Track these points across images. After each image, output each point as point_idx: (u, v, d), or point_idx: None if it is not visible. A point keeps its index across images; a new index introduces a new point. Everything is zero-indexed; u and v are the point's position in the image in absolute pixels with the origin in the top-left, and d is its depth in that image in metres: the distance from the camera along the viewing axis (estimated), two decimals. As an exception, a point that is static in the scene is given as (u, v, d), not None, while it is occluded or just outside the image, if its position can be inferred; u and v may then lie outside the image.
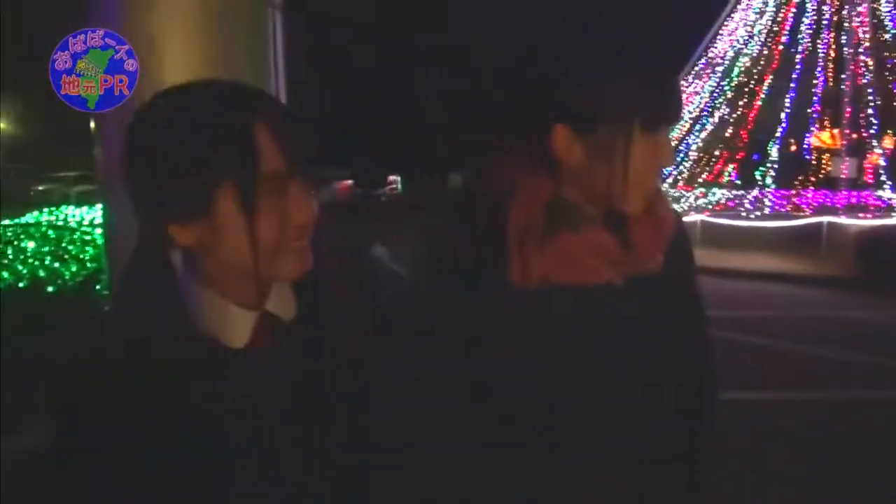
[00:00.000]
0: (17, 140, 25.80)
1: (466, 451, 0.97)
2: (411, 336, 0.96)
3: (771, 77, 17.97)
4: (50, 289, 4.15)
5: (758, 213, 13.93)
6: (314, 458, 0.82)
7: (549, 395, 0.96)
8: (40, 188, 20.86)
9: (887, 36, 17.03)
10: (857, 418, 4.21)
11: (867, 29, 17.07)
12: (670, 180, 16.86)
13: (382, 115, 29.19)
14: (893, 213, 12.97)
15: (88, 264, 4.78)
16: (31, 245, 5.52)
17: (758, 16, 18.70)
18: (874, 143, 16.41)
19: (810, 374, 5.21)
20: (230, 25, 1.70)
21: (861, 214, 12.65)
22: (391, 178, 33.44)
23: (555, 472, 0.98)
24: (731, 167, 17.82)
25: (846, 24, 16.57)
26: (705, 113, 18.08)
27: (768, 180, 16.24)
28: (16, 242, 5.65)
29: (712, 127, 17.97)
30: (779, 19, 18.51)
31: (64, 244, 5.63)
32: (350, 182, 30.92)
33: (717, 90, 18.33)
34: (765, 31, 18.54)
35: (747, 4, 18.76)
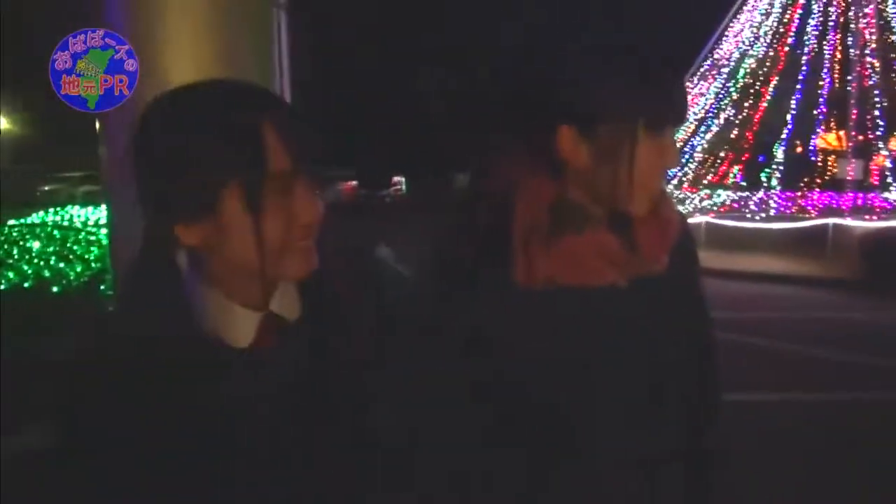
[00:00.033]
0: (22, 140, 25.92)
1: (469, 451, 0.97)
2: (415, 336, 0.95)
3: (777, 78, 17.92)
4: (55, 289, 4.16)
5: (763, 215, 13.89)
6: (317, 459, 0.82)
7: (552, 395, 0.96)
8: (46, 188, 20.96)
9: (894, 37, 16.97)
10: (861, 419, 4.21)
11: (874, 30, 17.01)
12: (675, 181, 16.83)
13: (387, 115, 29.22)
14: (900, 215, 12.93)
15: (93, 264, 4.80)
16: (36, 245, 5.55)
17: (764, 17, 18.65)
18: (880, 144, 16.35)
19: (813, 375, 5.20)
20: (235, 25, 1.71)
21: (867, 216, 12.60)
22: (396, 178, 33.48)
23: (557, 472, 0.98)
24: (736, 169, 17.78)
25: (852, 26, 16.50)
26: (711, 114, 18.04)
27: (774, 182, 16.19)
28: (21, 242, 5.68)
29: (717, 128, 17.93)
30: (785, 20, 18.47)
31: (69, 244, 5.66)
32: (354, 183, 30.96)
33: (723, 91, 18.29)
34: (771, 32, 18.49)
35: (753, 5, 18.72)
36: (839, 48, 17.57)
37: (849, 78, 15.90)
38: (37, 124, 22.80)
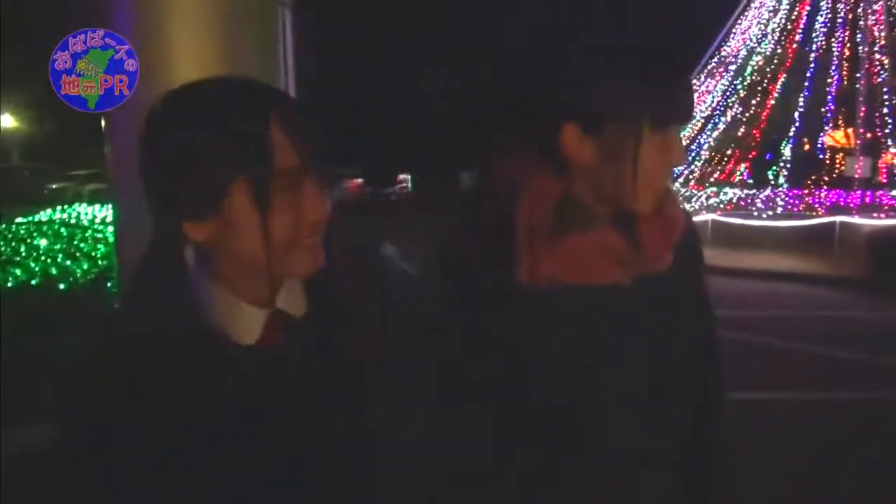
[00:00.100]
0: (29, 138, 26.05)
1: (472, 450, 0.96)
2: (420, 335, 0.95)
3: (784, 76, 17.83)
4: (62, 286, 4.18)
5: (770, 213, 13.83)
6: (320, 457, 0.82)
7: (556, 394, 0.96)
8: (53, 186, 21.07)
9: (903, 34, 16.86)
10: (865, 418, 4.19)
11: (882, 27, 16.89)
12: (682, 179, 16.76)
13: (392, 113, 29.22)
14: (908, 213, 12.85)
15: (100, 262, 4.82)
16: (43, 242, 5.58)
17: (771, 14, 18.55)
18: (889, 142, 16.24)
19: (819, 374, 5.18)
20: (240, 23, 1.71)
21: (875, 214, 12.53)
22: (401, 176, 33.48)
23: (561, 471, 0.97)
24: (743, 166, 17.70)
25: (861, 22, 16.40)
26: (717, 112, 17.96)
27: (781, 179, 16.11)
28: (28, 240, 5.71)
29: (724, 126, 17.85)
30: (793, 17, 18.36)
31: (76, 242, 5.68)
32: (360, 181, 30.98)
33: (730, 89, 18.21)
34: (778, 29, 18.39)
35: (761, 2, 18.62)
36: (848, 45, 17.47)
37: (857, 75, 15.81)
38: (44, 122, 22.91)
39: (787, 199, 15.12)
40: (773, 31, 18.42)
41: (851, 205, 13.96)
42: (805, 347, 5.82)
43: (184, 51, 1.62)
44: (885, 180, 15.75)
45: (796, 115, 16.89)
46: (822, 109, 17.24)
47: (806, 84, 17.19)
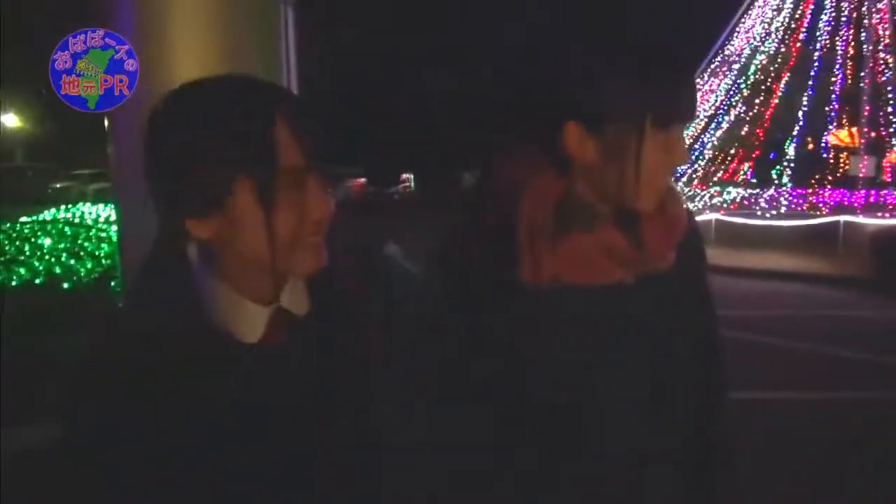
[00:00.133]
0: (34, 138, 26.12)
1: (473, 450, 0.96)
2: (422, 335, 0.95)
3: (788, 75, 17.77)
4: (66, 285, 4.19)
5: (773, 212, 13.79)
6: (322, 455, 0.82)
7: (558, 394, 0.96)
8: (58, 185, 21.11)
9: (908, 33, 16.79)
10: (869, 417, 4.18)
11: (887, 25, 16.83)
12: (685, 178, 16.73)
13: (396, 113, 29.21)
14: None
15: (103, 261, 4.83)
16: (47, 242, 5.59)
17: (775, 12, 18.49)
18: (893, 141, 16.18)
19: (822, 373, 5.16)
20: (243, 22, 1.71)
21: (879, 213, 12.49)
22: (404, 176, 33.47)
23: (562, 471, 0.97)
24: (746, 165, 17.65)
25: (865, 21, 16.33)
26: (721, 111, 17.91)
27: (785, 179, 16.07)
28: (33, 239, 5.72)
29: (728, 125, 17.80)
30: (797, 16, 18.30)
31: (80, 241, 5.69)
32: (363, 180, 30.98)
33: (734, 88, 18.16)
34: (782, 27, 18.33)
35: (764, 1, 18.57)
36: (852, 44, 17.41)
37: (862, 74, 15.76)
38: (48, 122, 22.96)
39: (790, 198, 15.07)
40: (777, 29, 18.36)
41: (855, 204, 13.91)
42: (808, 347, 5.80)
43: (186, 49, 1.62)
44: (889, 179, 15.69)
45: (800, 114, 16.84)
46: (827, 108, 17.19)
47: (810, 83, 17.13)
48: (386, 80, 29.24)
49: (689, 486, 1.06)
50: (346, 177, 27.47)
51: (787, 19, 18.37)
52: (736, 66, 18.37)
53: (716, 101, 17.94)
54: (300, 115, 0.75)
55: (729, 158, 17.94)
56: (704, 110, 17.40)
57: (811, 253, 10.70)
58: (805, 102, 16.94)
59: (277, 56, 1.82)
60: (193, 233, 0.76)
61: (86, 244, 5.56)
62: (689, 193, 15.86)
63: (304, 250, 0.77)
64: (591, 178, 0.95)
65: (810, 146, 17.64)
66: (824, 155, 17.37)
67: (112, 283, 4.08)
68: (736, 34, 18.77)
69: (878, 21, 16.47)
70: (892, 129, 16.06)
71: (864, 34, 16.34)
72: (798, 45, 18.10)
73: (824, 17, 18.02)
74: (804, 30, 18.16)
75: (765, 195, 15.33)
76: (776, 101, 17.72)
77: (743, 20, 18.74)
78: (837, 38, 17.70)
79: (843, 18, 17.73)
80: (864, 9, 16.57)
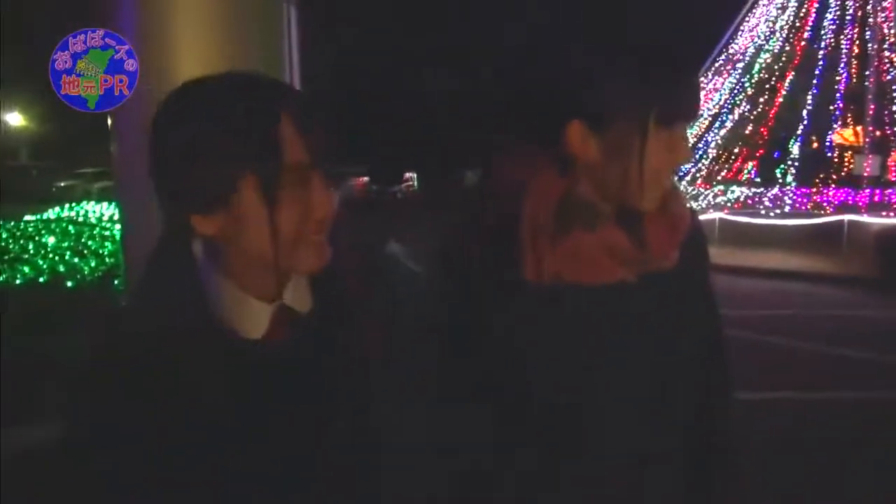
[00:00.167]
0: (39, 137, 26.20)
1: (474, 450, 0.96)
2: (424, 334, 0.95)
3: (793, 73, 17.72)
4: (69, 283, 4.21)
5: (778, 211, 13.76)
6: (323, 454, 0.82)
7: (560, 393, 0.96)
8: (62, 184, 21.18)
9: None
10: (872, 417, 4.17)
11: (892, 24, 16.76)
12: (689, 177, 16.70)
13: (397, 112, 29.22)
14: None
15: (107, 259, 4.85)
16: (51, 240, 5.61)
17: (780, 11, 18.43)
18: (898, 140, 16.13)
19: (826, 373, 5.15)
20: (245, 20, 1.71)
21: (883, 213, 12.45)
22: (407, 174, 33.49)
23: (565, 471, 0.97)
24: (751, 164, 17.61)
25: (871, 19, 16.27)
26: (725, 110, 17.87)
27: (789, 178, 16.02)
28: (37, 238, 5.74)
29: (732, 124, 17.76)
30: (801, 14, 18.24)
31: (83, 240, 5.71)
32: (366, 179, 31.00)
33: (738, 87, 18.11)
34: (787, 26, 18.27)
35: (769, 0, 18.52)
36: (857, 42, 17.34)
37: (867, 72, 15.70)
38: (53, 120, 23.03)
39: (795, 197, 15.04)
40: (782, 28, 18.30)
41: (860, 203, 13.87)
42: (812, 346, 5.79)
43: (188, 49, 1.62)
44: (894, 178, 15.64)
45: (804, 112, 16.79)
46: (831, 107, 17.13)
47: (815, 81, 17.08)
48: (387, 79, 29.25)
49: (692, 485, 1.05)
50: (349, 175, 27.50)
51: (791, 17, 18.30)
52: (740, 65, 18.32)
53: (720, 99, 17.90)
54: (305, 113, 0.76)
55: (733, 157, 17.89)
56: (708, 109, 17.36)
57: (815, 252, 10.68)
58: (809, 101, 16.89)
59: (280, 54, 1.81)
60: (198, 229, 0.76)
61: (89, 243, 5.58)
62: (693, 192, 15.83)
63: (308, 248, 0.77)
64: (593, 177, 0.95)
65: (815, 145, 17.59)
66: (829, 154, 17.32)
67: (115, 282, 4.09)
68: (740, 32, 18.72)
69: (883, 19, 16.39)
70: (897, 128, 16.00)
71: (868, 32, 16.28)
72: (802, 43, 18.04)
73: (829, 16, 17.96)
74: (809, 28, 18.10)
75: (769, 194, 15.29)
76: (780, 99, 17.67)
77: (747, 18, 18.69)
78: (842, 37, 17.63)
79: (848, 17, 17.66)
80: (868, 7, 16.49)
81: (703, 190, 16.32)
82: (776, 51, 18.23)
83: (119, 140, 1.76)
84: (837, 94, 17.12)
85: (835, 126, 17.43)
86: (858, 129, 16.81)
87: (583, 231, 0.95)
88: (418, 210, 12.58)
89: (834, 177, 16.41)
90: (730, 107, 17.97)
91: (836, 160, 17.11)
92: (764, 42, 18.39)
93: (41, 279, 4.26)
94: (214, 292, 0.78)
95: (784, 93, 17.70)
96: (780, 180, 16.11)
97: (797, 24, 18.30)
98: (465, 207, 1.05)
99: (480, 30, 26.95)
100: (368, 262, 0.93)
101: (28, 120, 26.07)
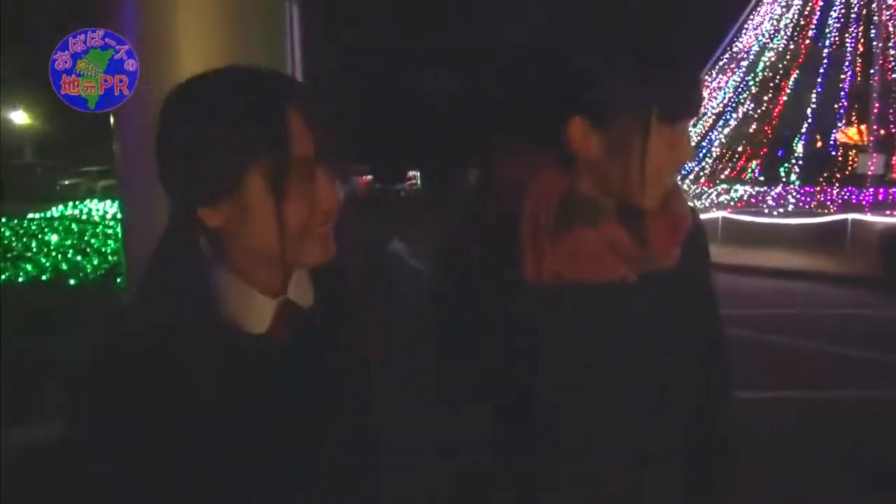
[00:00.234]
0: (43, 135, 26.26)
1: (473, 450, 0.96)
2: (426, 332, 0.95)
3: (797, 72, 17.66)
4: (72, 281, 4.22)
5: (781, 210, 13.72)
6: (323, 450, 0.82)
7: (561, 392, 0.95)
8: (66, 182, 21.24)
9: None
10: (874, 416, 4.16)
11: (897, 22, 16.70)
12: (692, 176, 16.66)
13: (398, 111, 29.21)
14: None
15: (110, 258, 4.86)
16: (54, 238, 5.63)
17: (784, 9, 18.37)
18: (903, 139, 16.07)
19: (828, 372, 5.14)
20: (248, 18, 1.71)
21: (888, 212, 12.41)
22: (410, 173, 33.49)
23: (564, 470, 0.97)
24: (754, 163, 17.56)
25: (875, 18, 16.20)
26: (729, 108, 17.82)
27: (793, 177, 15.98)
28: (40, 236, 5.76)
29: (736, 122, 17.71)
30: (806, 13, 18.18)
31: (86, 238, 5.73)
32: (369, 178, 31.01)
33: (742, 85, 18.06)
34: (791, 24, 18.21)
35: (773, -2, 18.46)
36: (861, 40, 17.28)
37: (871, 71, 15.64)
38: (57, 119, 23.08)
39: (798, 196, 14.99)
40: (786, 26, 18.24)
41: (864, 202, 13.82)
42: (814, 346, 5.78)
43: (190, 47, 1.62)
44: (898, 177, 15.59)
45: (809, 111, 16.73)
46: (835, 106, 17.07)
47: (819, 80, 17.02)
48: (387, 78, 29.24)
49: (692, 485, 1.05)
50: (352, 174, 27.51)
51: (795, 16, 18.24)
52: (744, 63, 18.26)
53: (724, 97, 17.84)
54: (311, 105, 0.76)
55: (736, 156, 17.84)
56: (713, 107, 17.31)
57: (818, 251, 10.66)
58: (814, 99, 16.83)
59: (283, 53, 1.81)
60: (206, 221, 0.77)
61: (92, 241, 5.60)
62: (697, 191, 15.80)
63: (314, 240, 0.78)
64: (595, 174, 0.94)
65: (819, 144, 17.54)
66: (833, 152, 17.27)
67: (118, 280, 4.10)
68: (745, 30, 18.66)
69: (887, 17, 16.33)
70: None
71: (873, 31, 16.22)
72: (807, 41, 17.97)
73: (833, 14, 17.90)
74: (813, 26, 18.04)
75: (772, 193, 15.25)
76: (785, 98, 17.61)
77: (752, 16, 18.63)
78: (847, 35, 17.57)
79: (853, 15, 17.60)
80: (873, 5, 16.42)
81: (706, 188, 16.27)
82: (780, 49, 18.16)
83: (121, 139, 1.76)
84: (842, 93, 17.06)
85: (839, 125, 17.38)
86: (863, 127, 16.76)
87: (584, 228, 0.94)
88: (422, 208, 12.58)
89: (838, 175, 16.36)
90: (734, 105, 17.92)
91: (840, 159, 17.06)
92: (768, 40, 18.32)
93: (44, 277, 4.28)
94: (219, 287, 0.78)
95: (788, 91, 17.64)
96: (784, 179, 16.06)
97: (801, 23, 18.23)
98: (466, 207, 1.04)
99: (484, 30, 26.91)
100: (371, 259, 0.93)
101: (32, 118, 26.12)
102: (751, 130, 17.74)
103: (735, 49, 18.56)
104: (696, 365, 1.03)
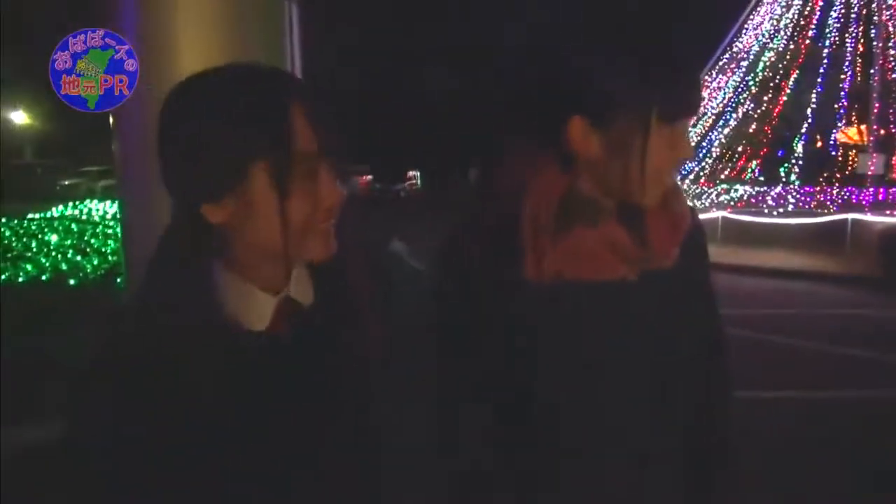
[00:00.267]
0: (43, 135, 26.26)
1: (472, 449, 0.96)
2: (426, 332, 0.95)
3: (797, 72, 17.66)
4: (72, 281, 4.22)
5: (781, 210, 13.72)
6: (323, 449, 0.82)
7: (561, 392, 0.95)
8: (66, 183, 21.25)
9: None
10: (874, 416, 4.16)
11: (897, 22, 16.70)
12: (692, 176, 16.66)
13: (399, 111, 29.22)
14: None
15: (110, 258, 4.86)
16: (54, 238, 5.63)
17: (784, 9, 18.37)
18: (903, 139, 16.07)
19: (828, 372, 5.14)
20: (247, 19, 1.70)
21: (888, 212, 12.41)
22: (410, 172, 33.49)
23: (564, 469, 0.97)
24: (754, 163, 17.56)
25: (875, 18, 16.20)
26: (729, 108, 17.81)
27: (792, 177, 15.98)
28: (40, 236, 5.76)
29: (736, 122, 17.70)
30: (806, 12, 18.17)
31: (86, 238, 5.73)
32: (369, 177, 31.02)
33: (742, 85, 18.06)
34: (791, 24, 18.21)
35: (773, -3, 18.45)
36: (861, 40, 17.28)
37: (871, 71, 15.64)
38: (57, 119, 23.08)
39: (798, 196, 14.99)
40: (786, 26, 18.24)
41: (864, 202, 13.82)
42: (814, 346, 5.78)
43: (190, 47, 1.62)
44: (898, 177, 15.59)
45: (809, 111, 16.73)
46: (835, 106, 17.07)
47: (819, 80, 17.01)
48: (387, 78, 29.24)
49: (693, 485, 1.05)
50: (353, 174, 27.51)
51: (795, 16, 18.23)
52: (744, 63, 18.26)
53: (724, 98, 17.84)
54: (313, 102, 0.76)
55: (736, 156, 17.84)
56: (713, 107, 17.31)
57: (818, 251, 10.66)
58: (814, 99, 16.82)
59: (282, 53, 1.81)
60: (209, 218, 0.77)
61: (92, 241, 5.60)
62: (697, 191, 15.79)
63: (316, 236, 0.78)
64: (595, 174, 0.94)
65: (819, 144, 17.53)
66: (833, 152, 17.27)
67: (118, 280, 4.10)
68: (745, 30, 18.65)
69: (887, 17, 16.33)
70: (901, 127, 15.94)
71: (873, 31, 16.21)
72: (807, 41, 17.97)
73: (833, 14, 17.89)
74: (813, 26, 18.03)
75: (772, 193, 15.24)
76: (785, 98, 17.61)
77: (752, 17, 18.62)
78: (847, 35, 17.56)
79: (853, 15, 17.59)
80: (873, 5, 16.42)
81: (706, 188, 16.27)
82: (780, 49, 18.16)
83: (120, 139, 1.76)
84: (842, 93, 17.05)
85: (839, 125, 17.37)
86: (863, 127, 16.76)
87: (584, 227, 0.94)
88: (422, 208, 12.59)
89: (838, 175, 16.36)
90: (734, 105, 17.92)
91: (840, 159, 17.06)
92: (768, 40, 18.32)
93: (44, 277, 4.28)
94: (219, 285, 0.79)
95: (788, 91, 17.63)
96: (784, 179, 16.06)
97: (801, 23, 18.23)
98: (466, 207, 1.04)
99: (485, 29, 26.92)
100: (371, 258, 0.93)
101: (32, 118, 26.13)
102: (751, 130, 17.73)
103: (735, 49, 18.55)
104: (696, 365, 1.03)
